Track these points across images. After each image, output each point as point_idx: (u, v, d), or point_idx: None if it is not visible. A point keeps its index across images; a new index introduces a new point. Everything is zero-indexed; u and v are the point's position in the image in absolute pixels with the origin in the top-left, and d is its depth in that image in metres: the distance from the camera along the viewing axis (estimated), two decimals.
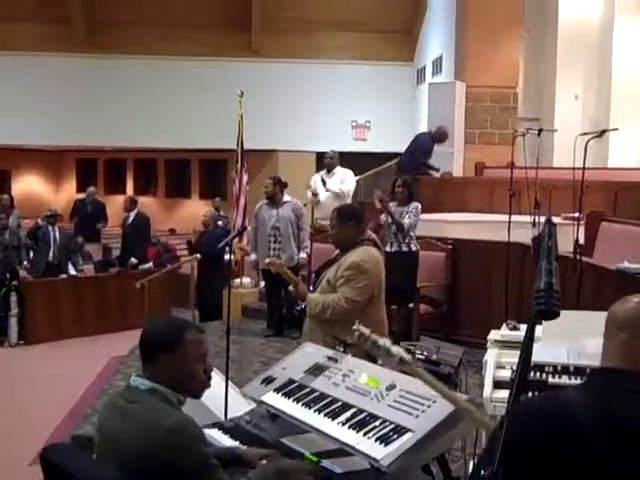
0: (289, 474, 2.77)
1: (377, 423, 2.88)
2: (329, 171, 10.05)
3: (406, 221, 7.82)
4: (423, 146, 11.29)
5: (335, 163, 10.06)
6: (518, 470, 1.63)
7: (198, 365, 2.81)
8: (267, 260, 5.18)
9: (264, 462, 2.95)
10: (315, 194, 10.01)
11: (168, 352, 2.75)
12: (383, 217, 8.03)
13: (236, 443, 3.20)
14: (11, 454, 6.07)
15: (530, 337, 1.53)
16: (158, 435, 2.57)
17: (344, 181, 9.98)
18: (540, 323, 1.54)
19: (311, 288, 4.99)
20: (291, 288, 4.97)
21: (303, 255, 8.89)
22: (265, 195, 9.01)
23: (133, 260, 12.02)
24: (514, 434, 1.63)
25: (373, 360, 3.77)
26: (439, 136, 11.19)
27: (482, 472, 1.54)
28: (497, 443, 1.53)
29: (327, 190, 9.91)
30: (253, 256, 9.26)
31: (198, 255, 10.05)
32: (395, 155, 12.36)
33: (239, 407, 4.50)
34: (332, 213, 5.05)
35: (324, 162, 10.17)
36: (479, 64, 13.34)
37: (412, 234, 7.94)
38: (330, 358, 3.47)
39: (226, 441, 3.25)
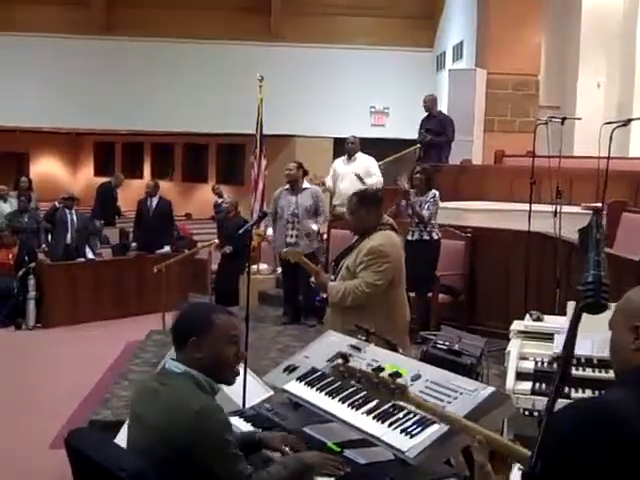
0: (314, 465, 2.75)
1: (402, 414, 2.85)
2: (350, 157, 9.98)
3: (425, 213, 7.77)
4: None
5: (356, 148, 9.98)
6: (568, 474, 1.60)
7: (229, 348, 2.79)
8: (284, 250, 5.13)
9: (287, 449, 2.94)
10: (323, 183, 9.92)
11: (197, 335, 2.76)
12: (403, 204, 7.99)
13: (257, 430, 3.19)
14: (30, 438, 6.10)
15: (574, 330, 1.49)
16: (184, 416, 2.60)
17: (370, 175, 9.87)
18: (594, 313, 1.49)
19: (332, 277, 4.95)
20: (312, 279, 4.94)
21: (315, 227, 8.82)
22: (287, 179, 8.93)
23: (167, 248, 11.93)
24: (562, 439, 1.59)
25: (395, 350, 3.74)
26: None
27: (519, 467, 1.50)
28: (537, 441, 1.50)
29: (360, 180, 9.73)
30: (270, 231, 9.23)
31: (216, 240, 10.03)
32: (413, 142, 12.27)
33: (257, 395, 4.48)
34: (350, 198, 5.02)
35: (345, 147, 10.09)
36: (500, 51, 13.20)
37: (433, 222, 7.90)
38: (353, 347, 3.43)
39: (247, 429, 3.23)
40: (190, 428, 2.59)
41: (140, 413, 2.78)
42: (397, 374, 2.46)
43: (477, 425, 2.41)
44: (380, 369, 2.49)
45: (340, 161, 10.18)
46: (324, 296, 4.95)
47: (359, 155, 9.98)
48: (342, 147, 10.68)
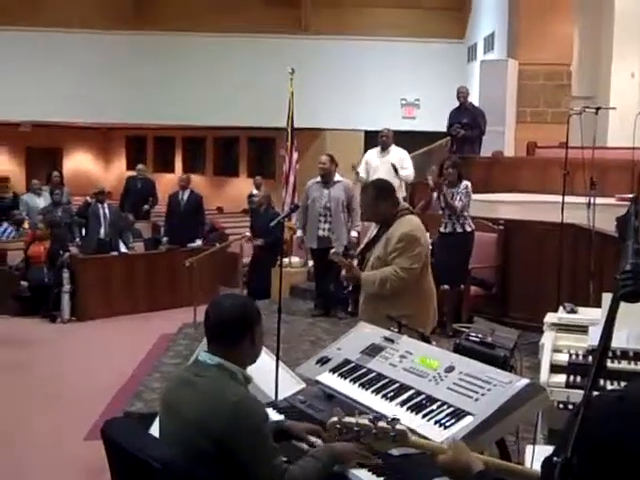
0: (346, 457, 2.75)
1: (435, 406, 2.84)
2: (384, 149, 9.93)
3: (458, 204, 7.75)
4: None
5: (390, 141, 9.93)
6: (604, 466, 1.58)
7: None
8: (332, 252, 5.18)
9: (313, 439, 2.94)
10: (357, 172, 9.88)
11: (252, 328, 2.82)
12: (435, 197, 7.98)
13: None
14: (65, 430, 6.17)
15: (612, 320, 1.47)
16: (223, 407, 2.62)
17: (405, 165, 9.83)
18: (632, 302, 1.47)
19: None
20: (344, 273, 4.95)
21: (354, 234, 8.81)
22: (320, 172, 8.92)
23: (198, 242, 12.00)
24: (599, 428, 1.57)
25: (428, 342, 3.73)
26: None
27: (554, 459, 1.48)
28: (572, 431, 1.48)
29: (395, 170, 9.70)
30: (299, 232, 9.23)
31: (248, 233, 10.05)
32: (444, 134, 12.21)
33: (289, 387, 4.49)
34: (366, 190, 5.06)
35: (379, 140, 10.04)
36: (532, 41, 13.08)
37: (466, 214, 7.86)
38: (387, 339, 3.43)
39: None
40: (228, 420, 2.61)
41: (174, 404, 2.80)
42: (395, 420, 2.44)
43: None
44: (377, 418, 2.46)
45: (373, 153, 10.13)
46: (350, 288, 4.99)
47: (393, 148, 9.94)
48: (373, 140, 10.65)
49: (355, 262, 4.99)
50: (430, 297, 4.95)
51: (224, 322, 2.83)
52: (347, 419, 2.43)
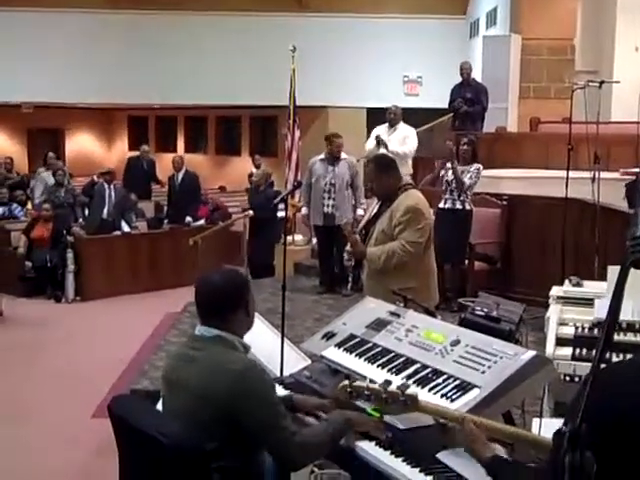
0: (358, 423, 2.77)
1: (442, 379, 2.85)
2: (391, 126, 9.87)
3: (467, 180, 7.71)
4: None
5: (398, 119, 9.85)
6: (615, 435, 1.58)
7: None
8: (343, 222, 5.15)
9: (321, 413, 2.96)
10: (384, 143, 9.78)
11: (239, 306, 2.85)
12: (443, 172, 7.94)
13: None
14: (73, 408, 6.20)
15: (621, 287, 1.45)
16: (227, 376, 2.65)
17: (406, 140, 9.78)
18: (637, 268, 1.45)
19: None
20: (348, 248, 4.94)
21: (360, 212, 8.79)
22: (336, 153, 8.89)
23: (189, 219, 12.07)
24: (610, 399, 1.57)
25: (433, 316, 3.73)
26: None
27: (563, 428, 1.47)
28: (581, 401, 1.47)
29: (390, 151, 9.66)
30: (304, 210, 9.23)
31: (251, 212, 10.03)
32: (447, 111, 12.16)
33: (294, 363, 4.49)
34: (369, 166, 5.09)
35: (387, 117, 9.98)
36: (535, 15, 13.00)
37: (468, 192, 7.83)
38: (392, 313, 3.43)
39: None
40: (234, 388, 2.64)
41: (177, 380, 2.81)
42: (405, 385, 2.44)
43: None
44: (388, 382, 2.46)
45: (381, 130, 10.07)
46: (352, 263, 4.97)
47: (401, 125, 9.87)
48: (376, 117, 10.60)
49: (357, 237, 4.97)
50: (432, 271, 4.94)
51: (217, 295, 2.86)
52: (358, 383, 2.45)
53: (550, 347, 3.94)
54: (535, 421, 3.27)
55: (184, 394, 2.74)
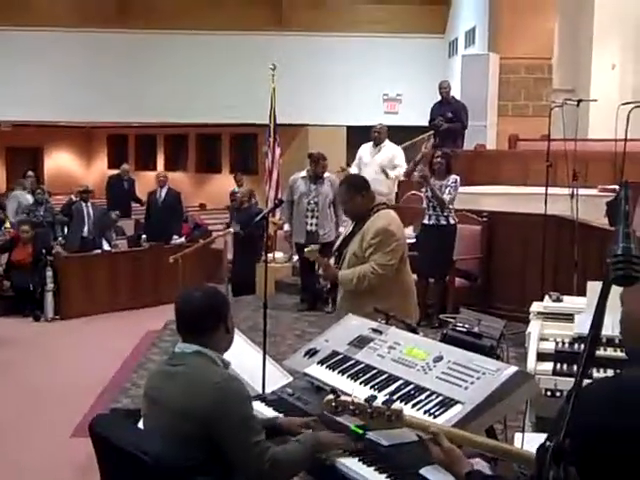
0: (327, 446, 2.77)
1: (424, 395, 2.85)
2: (376, 145, 9.94)
3: (447, 197, 7.76)
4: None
5: (383, 137, 9.94)
6: (596, 452, 1.60)
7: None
8: (306, 250, 5.11)
9: (305, 431, 2.96)
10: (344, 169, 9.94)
11: (219, 323, 2.87)
12: (423, 190, 8.00)
13: (279, 415, 3.20)
14: (51, 427, 6.14)
15: (603, 304, 1.47)
16: (204, 389, 2.68)
17: (396, 165, 9.85)
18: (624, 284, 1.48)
19: (335, 266, 4.91)
20: (320, 271, 4.93)
21: (342, 230, 8.83)
22: (322, 171, 8.92)
23: (176, 237, 12.05)
24: (591, 415, 1.59)
25: (415, 332, 3.74)
26: None
27: (547, 443, 1.49)
28: (564, 417, 1.49)
29: (389, 178, 9.78)
30: (287, 227, 9.26)
31: (231, 229, 10.02)
32: (427, 128, 12.24)
33: (276, 381, 4.48)
34: (340, 187, 5.07)
35: (371, 136, 10.05)
36: (513, 35, 13.12)
37: (451, 207, 7.89)
38: (374, 330, 3.43)
39: (269, 413, 3.24)
40: (211, 401, 2.66)
41: (157, 397, 2.82)
42: (390, 401, 2.45)
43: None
44: (373, 398, 2.47)
45: (366, 148, 10.13)
46: (328, 286, 4.95)
47: (386, 143, 9.96)
48: (355, 135, 10.66)
49: (332, 259, 4.94)
50: (409, 291, 4.89)
51: (197, 313, 2.88)
52: (343, 397, 2.45)
53: (531, 362, 3.96)
54: (517, 436, 3.29)
55: (164, 410, 2.75)
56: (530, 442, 2.86)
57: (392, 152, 9.94)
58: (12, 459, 5.62)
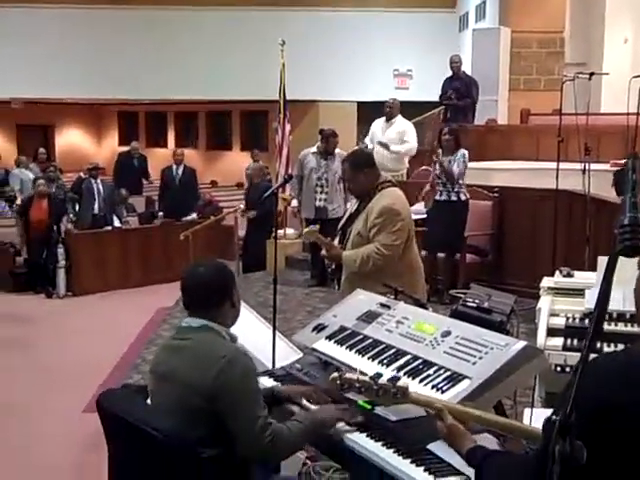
0: (327, 422, 2.79)
1: (432, 370, 2.84)
2: (388, 120, 9.89)
3: (455, 169, 7.72)
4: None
5: (395, 112, 9.88)
6: (603, 426, 1.58)
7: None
8: (305, 230, 5.01)
9: (305, 403, 2.96)
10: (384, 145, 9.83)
11: (225, 298, 2.87)
12: (433, 168, 7.97)
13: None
14: (64, 403, 6.18)
15: (610, 275, 1.44)
16: (212, 362, 2.68)
17: (405, 136, 9.80)
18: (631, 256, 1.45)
19: (339, 246, 4.76)
20: (323, 252, 4.79)
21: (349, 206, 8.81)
22: (329, 149, 8.90)
23: (194, 215, 12.08)
24: (599, 389, 1.58)
25: (424, 307, 3.73)
26: None
27: (553, 417, 1.48)
28: (570, 390, 1.47)
29: (386, 147, 9.70)
30: (295, 202, 9.25)
31: (241, 206, 10.00)
32: (437, 104, 12.16)
33: (286, 356, 4.49)
34: (343, 164, 4.94)
35: (384, 110, 9.99)
36: (524, 8, 13.00)
37: (461, 182, 7.85)
38: (383, 305, 3.42)
39: None
40: (217, 374, 2.66)
41: (165, 371, 2.82)
42: (396, 378, 2.43)
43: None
44: (378, 375, 2.45)
45: (379, 123, 10.09)
46: (333, 266, 4.85)
47: (398, 118, 9.90)
48: (366, 111, 10.62)
49: (336, 239, 4.82)
50: (416, 270, 4.74)
51: (203, 287, 2.87)
52: (348, 375, 2.45)
53: (541, 338, 3.94)
54: (527, 411, 3.28)
55: (171, 384, 2.75)
56: (539, 417, 2.85)
57: (403, 127, 9.89)
58: (24, 434, 5.67)
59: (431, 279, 7.66)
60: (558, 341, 3.92)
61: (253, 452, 2.70)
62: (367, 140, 10.05)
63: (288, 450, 2.84)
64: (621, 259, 1.47)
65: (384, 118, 9.96)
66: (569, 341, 3.89)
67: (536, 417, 2.99)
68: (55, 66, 17.11)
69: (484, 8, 14.81)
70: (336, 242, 4.78)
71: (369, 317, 3.37)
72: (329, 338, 3.37)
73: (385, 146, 9.59)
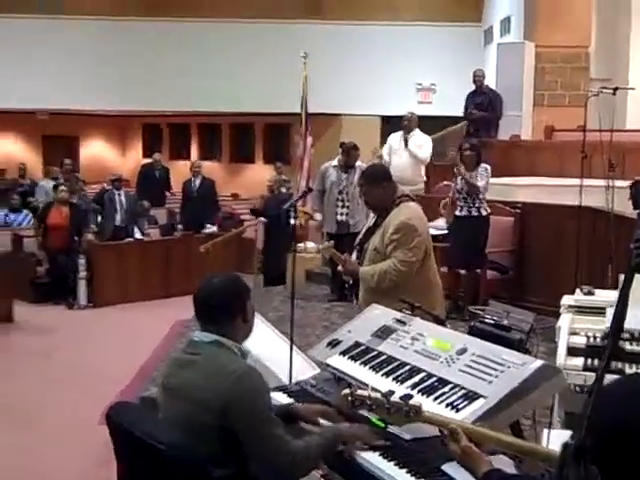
0: (348, 439, 2.71)
1: (447, 388, 2.79)
2: (406, 133, 9.89)
3: (480, 182, 7.65)
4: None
5: (413, 125, 9.89)
6: (619, 450, 1.53)
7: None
8: (320, 247, 4.99)
9: (323, 422, 2.90)
10: (380, 156, 9.87)
11: (237, 312, 2.83)
12: (454, 182, 7.90)
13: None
14: (80, 415, 6.17)
15: (626, 292, 1.39)
16: (223, 379, 2.63)
17: (422, 147, 9.80)
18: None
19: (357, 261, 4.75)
20: (340, 268, 4.78)
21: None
22: (350, 162, 8.87)
23: (210, 227, 12.08)
24: (618, 410, 1.52)
25: (442, 323, 3.67)
26: None
27: (568, 441, 1.42)
28: (585, 413, 1.42)
29: (407, 149, 9.71)
30: (318, 216, 9.22)
31: (263, 218, 9.98)
32: (461, 118, 12.11)
33: (303, 372, 4.44)
34: (360, 179, 4.92)
35: (402, 124, 10.00)
36: (549, 23, 12.90)
37: (482, 197, 7.78)
38: (398, 321, 3.37)
39: None
40: (228, 389, 2.61)
41: (175, 385, 2.78)
42: (409, 396, 2.37)
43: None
44: (390, 393, 2.39)
45: (396, 137, 10.09)
46: (350, 282, 4.82)
47: (416, 132, 9.89)
48: (389, 125, 10.61)
49: (354, 254, 4.79)
50: (434, 286, 4.70)
51: (214, 301, 2.82)
52: (360, 392, 2.39)
53: (561, 357, 3.87)
54: (545, 432, 3.20)
55: (183, 400, 2.71)
56: (558, 439, 2.78)
57: (421, 140, 9.88)
58: (41, 445, 5.67)
59: (451, 295, 7.60)
60: (578, 361, 3.84)
61: (268, 473, 2.65)
62: (385, 154, 10.02)
63: (305, 468, 2.75)
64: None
65: (402, 132, 9.96)
66: (589, 361, 3.81)
67: (555, 438, 2.92)
68: (80, 78, 17.25)
69: (509, 23, 14.73)
70: (354, 257, 4.75)
71: (384, 333, 3.32)
72: (343, 354, 3.32)
73: (408, 150, 9.65)
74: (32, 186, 14.77)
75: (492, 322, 3.83)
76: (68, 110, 19.12)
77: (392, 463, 2.59)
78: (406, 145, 9.69)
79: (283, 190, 11.43)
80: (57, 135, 21.70)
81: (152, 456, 2.51)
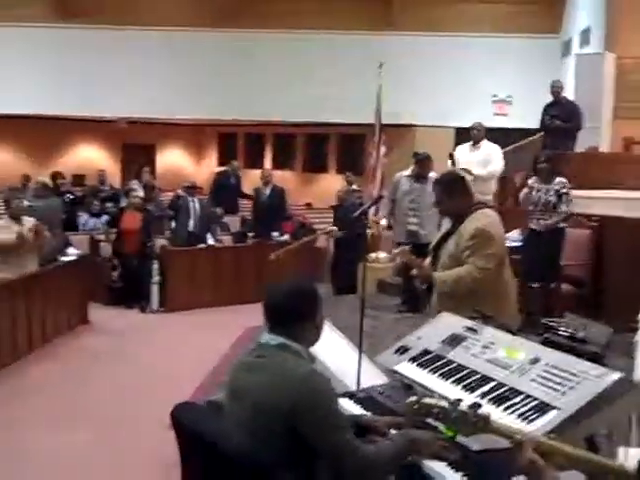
0: (423, 445, 2.64)
1: (519, 399, 2.71)
2: (475, 144, 9.74)
3: (564, 207, 7.54)
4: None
5: (481, 136, 9.73)
6: None
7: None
8: (396, 251, 4.95)
9: (394, 431, 2.84)
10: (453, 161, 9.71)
11: (307, 317, 2.81)
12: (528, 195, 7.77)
13: (366, 413, 3.10)
14: (149, 417, 6.22)
15: None
16: (291, 383, 2.59)
17: (491, 162, 9.62)
18: None
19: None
20: (414, 272, 4.73)
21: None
22: (422, 173, 8.82)
23: (275, 234, 12.10)
24: None
25: (513, 333, 3.59)
26: None
27: None
28: None
29: (469, 173, 9.55)
30: (384, 221, 9.17)
31: (335, 228, 9.97)
32: (537, 131, 11.89)
33: (371, 380, 4.40)
34: (434, 186, 4.83)
35: (470, 134, 9.86)
36: (630, 34, 12.60)
37: (559, 211, 7.62)
38: (469, 329, 3.30)
39: (356, 411, 3.15)
40: (297, 395, 2.56)
41: (241, 388, 2.75)
42: (477, 405, 2.28)
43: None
44: (458, 401, 2.32)
45: (464, 148, 9.96)
46: (423, 287, 4.76)
47: (484, 142, 9.74)
48: (464, 136, 10.47)
49: (428, 259, 4.75)
50: (508, 296, 4.62)
51: (285, 304, 2.80)
52: (426, 400, 2.32)
53: (639, 372, 3.74)
54: (622, 450, 3.09)
55: (249, 403, 2.68)
56: (635, 457, 2.68)
57: (489, 151, 9.71)
58: (108, 447, 5.74)
59: (525, 308, 7.45)
60: None
61: (345, 475, 2.60)
62: (450, 165, 9.92)
63: (379, 473, 2.68)
64: None
65: (469, 143, 9.82)
66: None
67: (632, 456, 2.81)
68: (159, 87, 17.58)
69: (589, 33, 14.45)
70: (427, 262, 4.70)
71: (454, 340, 3.26)
72: (412, 360, 3.27)
73: (467, 172, 9.43)
74: (113, 192, 15.06)
75: (567, 334, 3.73)
76: (146, 118, 19.50)
77: (459, 474, 2.53)
78: (471, 174, 9.50)
79: (352, 200, 11.40)
80: (136, 143, 22.16)
81: (218, 458, 2.49)
